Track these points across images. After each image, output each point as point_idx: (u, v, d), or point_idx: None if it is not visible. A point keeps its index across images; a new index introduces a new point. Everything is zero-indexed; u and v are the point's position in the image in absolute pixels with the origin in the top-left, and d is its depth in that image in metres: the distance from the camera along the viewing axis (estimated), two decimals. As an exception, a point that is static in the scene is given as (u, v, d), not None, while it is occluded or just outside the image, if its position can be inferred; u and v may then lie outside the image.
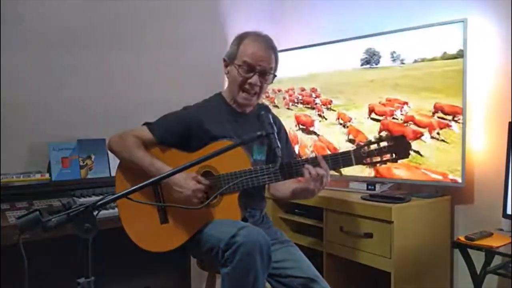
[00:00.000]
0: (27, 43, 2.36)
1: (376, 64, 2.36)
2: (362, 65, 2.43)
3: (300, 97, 2.78)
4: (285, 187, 1.76)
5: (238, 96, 1.70)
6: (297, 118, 2.80)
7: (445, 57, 2.10)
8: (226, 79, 1.79)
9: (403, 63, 2.25)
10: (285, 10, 3.19)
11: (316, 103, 2.68)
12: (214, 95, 1.83)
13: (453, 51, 2.08)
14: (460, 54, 2.05)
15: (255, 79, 1.66)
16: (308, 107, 2.74)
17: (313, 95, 2.69)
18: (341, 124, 2.55)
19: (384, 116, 2.34)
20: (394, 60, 2.29)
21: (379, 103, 2.35)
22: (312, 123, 2.71)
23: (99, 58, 2.59)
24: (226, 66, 1.75)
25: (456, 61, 2.06)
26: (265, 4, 3.20)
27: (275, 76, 1.73)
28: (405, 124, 2.23)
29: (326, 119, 2.64)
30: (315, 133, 2.70)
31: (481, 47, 2.13)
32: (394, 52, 2.29)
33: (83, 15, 2.52)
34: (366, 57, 2.40)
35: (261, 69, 1.67)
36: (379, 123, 2.36)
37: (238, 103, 1.73)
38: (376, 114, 2.38)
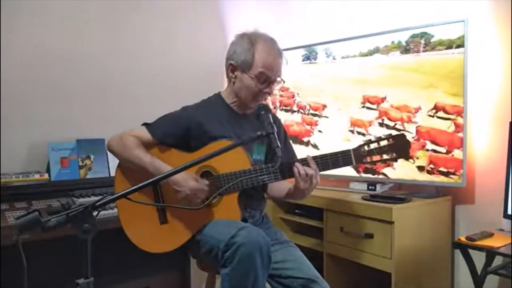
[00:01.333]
0: (26, 43, 2.36)
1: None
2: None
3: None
4: (280, 187, 1.76)
5: (251, 103, 1.69)
6: (287, 128, 2.61)
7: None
8: (226, 79, 1.77)
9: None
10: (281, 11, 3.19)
11: (296, 102, 2.59)
12: (213, 95, 1.82)
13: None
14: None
15: (270, 89, 1.68)
16: (288, 110, 2.70)
17: (295, 97, 2.67)
18: (360, 133, 2.41)
19: (395, 123, 2.26)
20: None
21: (391, 106, 2.28)
22: (308, 133, 2.62)
23: (99, 58, 2.58)
24: (233, 70, 1.70)
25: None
26: (265, 5, 3.19)
27: (283, 81, 1.73)
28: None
29: (320, 132, 2.57)
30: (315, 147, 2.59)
31: (481, 47, 2.13)
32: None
33: (83, 14, 2.52)
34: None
35: (275, 79, 1.68)
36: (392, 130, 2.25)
37: (247, 107, 1.73)
38: (389, 120, 2.29)
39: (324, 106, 2.57)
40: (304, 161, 1.55)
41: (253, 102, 1.69)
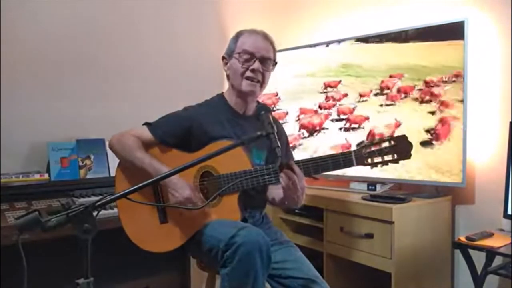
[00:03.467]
0: (26, 42, 2.36)
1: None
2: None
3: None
4: (278, 191, 1.69)
5: (242, 85, 1.68)
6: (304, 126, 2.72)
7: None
8: (226, 79, 1.77)
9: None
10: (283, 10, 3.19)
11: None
12: (216, 95, 1.82)
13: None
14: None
15: (257, 64, 1.67)
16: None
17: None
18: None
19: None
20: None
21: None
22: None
23: (99, 58, 2.58)
24: (226, 63, 1.75)
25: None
26: (266, 5, 3.19)
27: (275, 63, 1.73)
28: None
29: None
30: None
31: (481, 47, 2.13)
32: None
33: (83, 14, 2.52)
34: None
35: (261, 56, 1.67)
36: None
37: (242, 92, 1.70)
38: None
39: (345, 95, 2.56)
40: (308, 164, 1.53)
41: (245, 82, 1.67)
